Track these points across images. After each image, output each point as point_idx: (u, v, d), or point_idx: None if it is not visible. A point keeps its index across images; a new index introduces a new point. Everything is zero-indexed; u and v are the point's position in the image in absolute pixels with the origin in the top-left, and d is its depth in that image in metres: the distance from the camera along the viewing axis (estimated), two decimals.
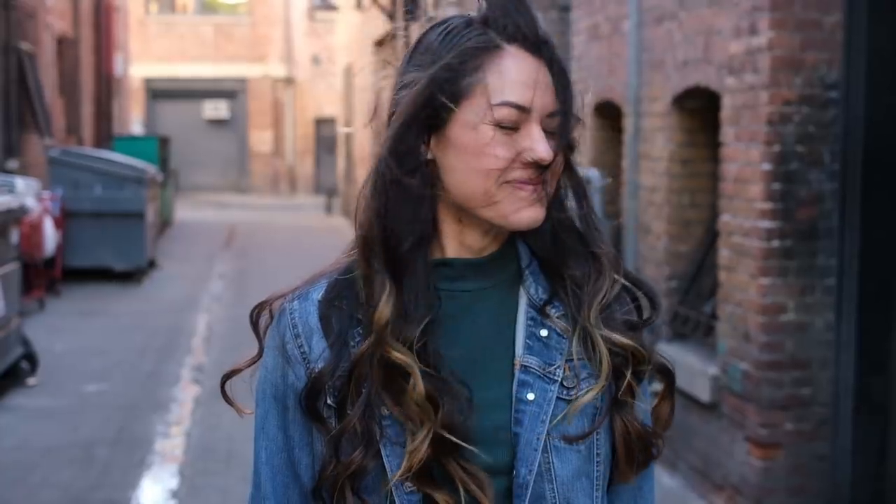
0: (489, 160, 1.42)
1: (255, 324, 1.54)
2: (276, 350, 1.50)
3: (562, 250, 1.49)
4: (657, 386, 1.57)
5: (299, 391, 1.47)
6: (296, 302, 1.50)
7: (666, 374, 1.56)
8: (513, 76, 1.42)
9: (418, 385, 1.40)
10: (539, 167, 1.42)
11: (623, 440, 1.49)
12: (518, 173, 1.42)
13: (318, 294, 1.49)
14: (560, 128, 1.44)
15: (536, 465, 1.44)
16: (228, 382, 1.58)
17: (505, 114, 1.41)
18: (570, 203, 1.51)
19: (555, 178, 1.46)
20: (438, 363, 1.42)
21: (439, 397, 1.41)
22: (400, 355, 1.41)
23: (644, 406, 1.55)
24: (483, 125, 1.42)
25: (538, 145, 1.41)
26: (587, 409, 1.47)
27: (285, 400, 1.50)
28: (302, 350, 1.48)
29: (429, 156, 1.45)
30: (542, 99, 1.42)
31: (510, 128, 1.42)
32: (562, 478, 1.46)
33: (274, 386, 1.51)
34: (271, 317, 1.53)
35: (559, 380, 1.46)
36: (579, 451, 1.47)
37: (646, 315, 1.53)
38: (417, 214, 1.44)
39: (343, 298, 1.47)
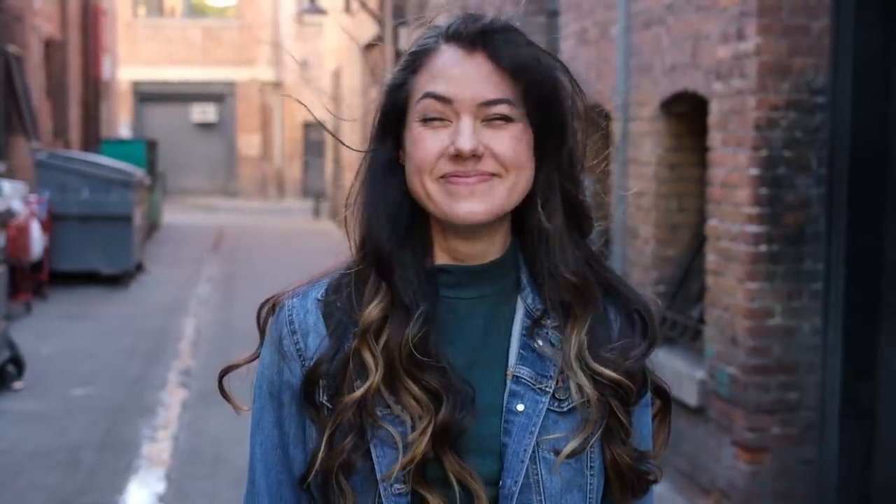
0: (419, 156, 1.43)
1: (260, 320, 1.55)
2: (273, 346, 1.52)
3: (543, 264, 1.48)
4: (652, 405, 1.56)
5: (294, 387, 1.48)
6: (295, 300, 1.51)
7: (662, 395, 1.56)
8: (437, 71, 1.44)
9: (373, 385, 1.42)
10: (465, 159, 1.41)
11: (613, 470, 1.48)
12: (448, 167, 1.42)
13: (317, 293, 1.50)
14: (535, 119, 1.44)
15: (522, 476, 1.44)
16: (226, 382, 1.59)
17: (426, 105, 1.43)
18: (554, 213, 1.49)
19: (516, 169, 1.43)
20: (441, 360, 1.43)
21: (444, 392, 1.41)
22: (368, 356, 1.43)
23: (644, 430, 1.54)
24: (414, 122, 1.44)
25: (459, 136, 1.41)
26: (579, 423, 1.46)
27: (280, 396, 1.51)
28: (298, 347, 1.49)
29: (401, 161, 1.48)
30: (471, 89, 1.42)
31: (436, 119, 1.43)
32: (550, 490, 1.45)
33: (270, 382, 1.52)
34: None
35: (551, 391, 1.45)
36: (569, 464, 1.46)
37: (641, 348, 1.51)
38: (396, 216, 1.46)
39: (341, 297, 1.48)
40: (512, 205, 1.45)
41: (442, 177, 1.42)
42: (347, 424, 1.43)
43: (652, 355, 1.54)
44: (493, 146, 1.42)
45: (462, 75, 1.42)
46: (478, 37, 1.44)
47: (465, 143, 1.40)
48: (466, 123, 1.41)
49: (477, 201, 1.42)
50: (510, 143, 1.43)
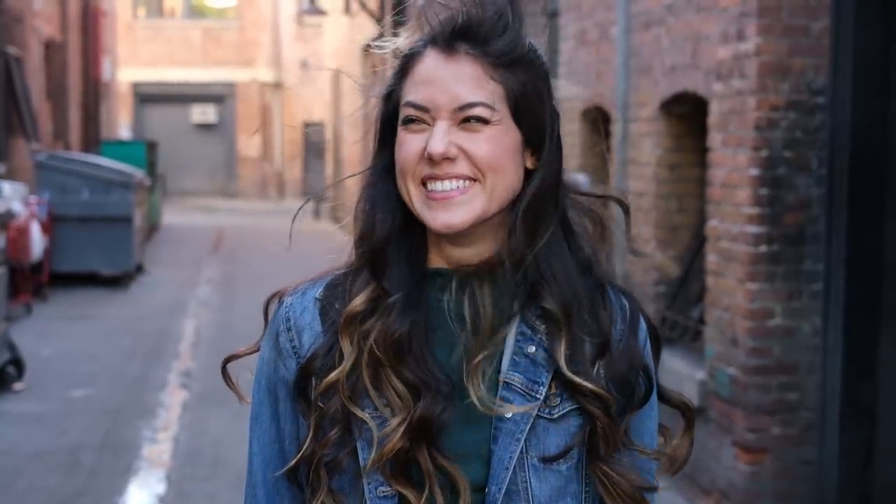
0: (401, 159, 1.45)
1: (266, 313, 1.57)
2: (271, 342, 1.54)
3: (529, 271, 1.47)
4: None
5: (289, 384, 1.50)
6: (293, 297, 1.53)
7: (685, 411, 1.56)
8: (418, 77, 1.44)
9: (346, 369, 1.43)
10: (438, 162, 1.41)
11: (602, 486, 1.47)
12: (426, 170, 1.43)
13: (315, 292, 1.52)
14: (519, 119, 1.43)
15: (506, 483, 1.43)
16: (236, 376, 1.60)
17: (408, 113, 1.44)
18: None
19: (493, 172, 1.43)
20: (424, 355, 1.43)
21: (422, 387, 1.41)
22: (347, 345, 1.44)
23: (646, 435, 1.53)
24: (399, 127, 1.45)
25: (431, 139, 1.42)
26: (570, 429, 1.45)
27: (277, 392, 1.53)
28: (293, 344, 1.50)
29: None
30: (447, 94, 1.42)
31: (415, 121, 1.43)
32: (539, 497, 1.44)
33: (267, 378, 1.54)
34: None
35: (541, 398, 1.44)
36: (559, 471, 1.45)
37: (641, 350, 1.50)
38: (390, 218, 1.47)
39: (337, 295, 1.50)
40: (494, 209, 1.44)
41: (423, 181, 1.43)
42: (333, 416, 1.44)
43: (657, 359, 1.54)
44: (468, 148, 1.42)
45: (440, 80, 1.43)
46: (457, 38, 1.44)
47: (435, 147, 1.41)
48: (440, 127, 1.42)
49: (453, 212, 1.42)
50: (486, 144, 1.42)
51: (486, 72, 1.42)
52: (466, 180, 1.43)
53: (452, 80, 1.42)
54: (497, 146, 1.43)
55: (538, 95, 1.45)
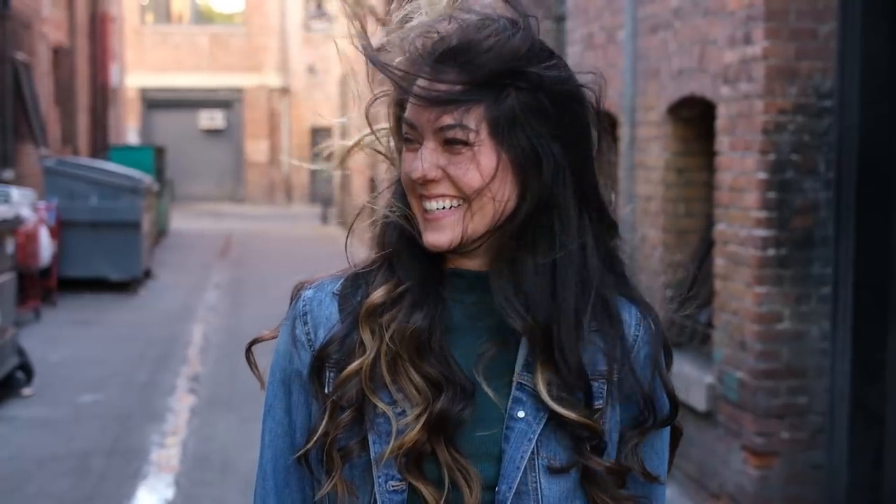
0: (402, 175, 1.48)
1: (292, 300, 1.58)
2: (287, 334, 1.55)
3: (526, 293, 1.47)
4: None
5: (303, 376, 1.51)
6: (311, 290, 1.55)
7: (674, 435, 1.57)
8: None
9: (368, 360, 1.44)
10: (421, 183, 1.43)
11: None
12: (418, 189, 1.45)
13: (333, 286, 1.54)
14: (502, 140, 1.42)
15: (516, 482, 1.44)
16: (262, 370, 1.62)
17: (404, 130, 1.46)
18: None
19: (476, 193, 1.42)
20: (445, 353, 1.45)
21: (444, 383, 1.43)
22: (368, 336, 1.46)
23: (658, 449, 1.54)
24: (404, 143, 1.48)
25: (413, 161, 1.44)
26: (580, 434, 1.46)
27: (290, 384, 1.54)
28: (309, 337, 1.52)
29: None
30: (429, 115, 1.42)
31: (410, 141, 1.45)
32: (549, 498, 1.45)
33: (282, 370, 1.55)
34: None
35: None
36: (570, 473, 1.46)
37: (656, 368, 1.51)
38: (408, 219, 1.49)
39: (357, 289, 1.51)
40: (482, 229, 1.44)
41: (420, 201, 1.45)
42: (348, 401, 1.46)
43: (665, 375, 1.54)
44: (450, 170, 1.43)
45: (425, 100, 1.43)
46: (443, 59, 1.43)
47: (414, 171, 1.43)
48: (423, 148, 1.43)
49: (441, 233, 1.44)
50: (465, 166, 1.42)
51: (468, 93, 1.42)
52: (454, 199, 1.44)
53: (435, 100, 1.42)
54: (475, 168, 1.43)
55: (531, 114, 1.43)
